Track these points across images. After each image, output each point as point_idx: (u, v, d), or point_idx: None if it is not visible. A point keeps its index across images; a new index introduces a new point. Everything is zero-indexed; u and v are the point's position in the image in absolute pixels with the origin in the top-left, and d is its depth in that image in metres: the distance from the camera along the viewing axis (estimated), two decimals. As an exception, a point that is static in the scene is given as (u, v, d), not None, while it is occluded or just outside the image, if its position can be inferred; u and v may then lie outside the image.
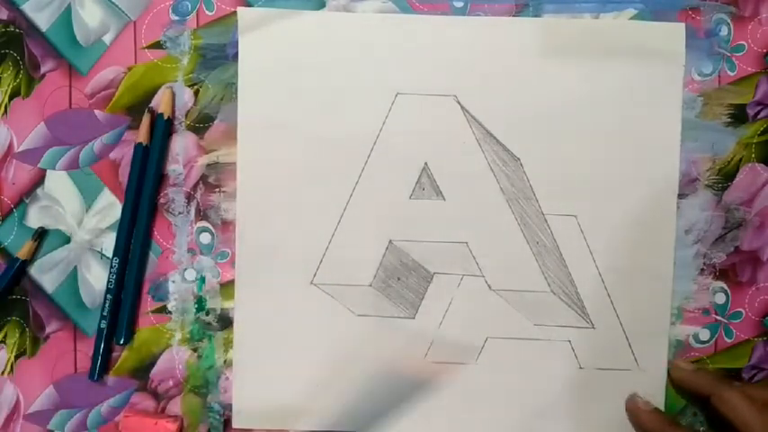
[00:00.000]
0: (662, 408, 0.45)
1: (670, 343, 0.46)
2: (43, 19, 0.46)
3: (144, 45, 0.46)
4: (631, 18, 0.46)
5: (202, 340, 0.46)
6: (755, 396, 0.40)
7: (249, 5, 0.46)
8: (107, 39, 0.46)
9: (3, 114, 0.46)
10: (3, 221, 0.46)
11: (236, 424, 0.46)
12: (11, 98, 0.46)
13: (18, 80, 0.46)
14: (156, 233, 0.46)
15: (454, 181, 0.46)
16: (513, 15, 0.46)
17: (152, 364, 0.46)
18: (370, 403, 0.45)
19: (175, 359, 0.46)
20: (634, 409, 0.44)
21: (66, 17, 0.46)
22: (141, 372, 0.46)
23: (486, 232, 0.45)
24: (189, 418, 0.46)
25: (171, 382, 0.46)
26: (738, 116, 0.46)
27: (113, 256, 0.45)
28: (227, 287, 0.46)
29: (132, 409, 0.46)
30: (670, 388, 0.45)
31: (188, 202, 0.46)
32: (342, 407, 0.45)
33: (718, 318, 0.46)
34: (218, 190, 0.46)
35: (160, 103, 0.45)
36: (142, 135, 0.45)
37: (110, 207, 0.46)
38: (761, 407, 0.39)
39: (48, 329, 0.46)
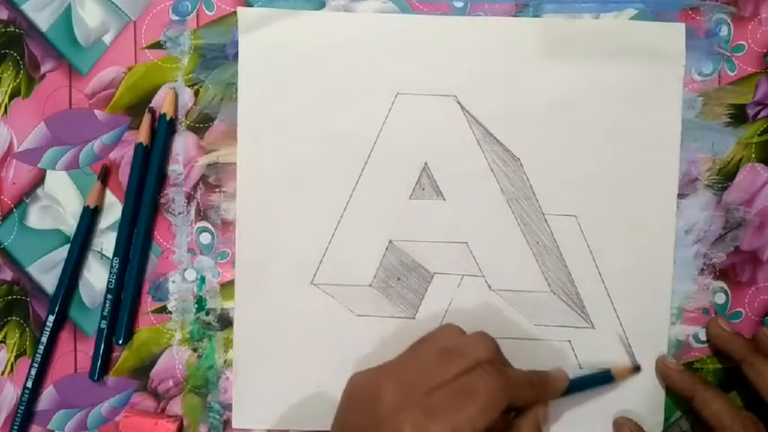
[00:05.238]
0: (661, 409, 0.45)
1: (670, 343, 0.46)
2: (43, 19, 0.46)
3: (144, 45, 0.46)
4: (631, 18, 0.46)
5: (202, 340, 0.46)
6: None
7: (249, 5, 0.46)
8: (107, 39, 0.46)
9: (3, 114, 0.46)
10: (3, 221, 0.46)
11: (236, 424, 0.46)
12: (11, 98, 0.46)
13: (18, 80, 0.46)
14: (156, 233, 0.46)
15: (454, 181, 0.46)
16: (513, 15, 0.46)
17: (152, 364, 0.46)
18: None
19: (175, 359, 0.46)
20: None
21: (67, 17, 0.46)
22: (141, 372, 0.46)
23: (486, 232, 0.46)
24: (189, 418, 0.46)
25: (171, 382, 0.46)
26: (738, 116, 0.46)
27: (114, 256, 0.45)
28: (227, 287, 0.46)
29: (132, 409, 0.46)
30: (670, 388, 0.45)
31: (188, 202, 0.46)
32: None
33: (718, 318, 0.46)
34: (218, 190, 0.46)
35: (163, 103, 0.45)
36: (143, 135, 0.45)
37: (110, 207, 0.46)
38: None
39: (48, 329, 0.46)
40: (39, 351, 0.45)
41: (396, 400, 0.37)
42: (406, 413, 0.36)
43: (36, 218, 0.46)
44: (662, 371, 0.45)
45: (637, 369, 0.45)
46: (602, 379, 0.45)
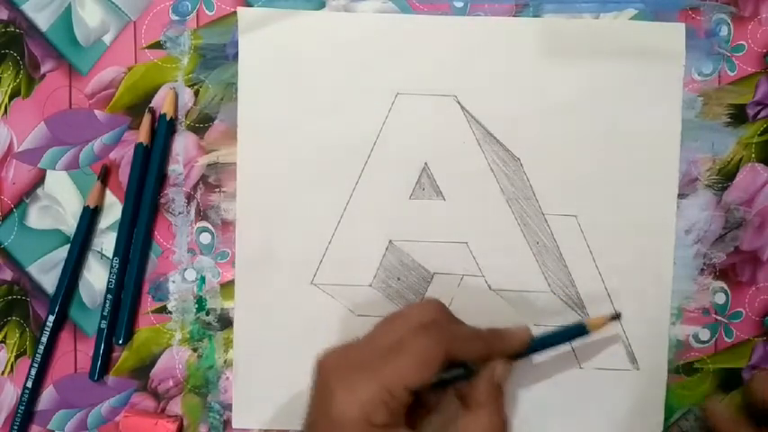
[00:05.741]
0: (661, 409, 0.45)
1: (670, 343, 0.46)
2: (43, 19, 0.46)
3: (144, 45, 0.46)
4: (631, 18, 0.46)
5: (202, 340, 0.46)
6: None
7: (249, 5, 0.46)
8: (107, 39, 0.46)
9: (3, 114, 0.46)
10: (3, 221, 0.46)
11: (236, 424, 0.46)
12: (11, 98, 0.46)
13: (18, 80, 0.46)
14: (156, 233, 0.46)
15: (454, 181, 0.46)
16: (513, 15, 0.46)
17: (152, 364, 0.46)
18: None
19: (175, 359, 0.46)
20: (712, 416, 0.42)
21: (67, 17, 0.46)
22: (141, 372, 0.46)
23: (486, 232, 0.46)
24: (189, 418, 0.46)
25: (171, 382, 0.46)
26: (738, 116, 0.46)
27: (114, 256, 0.45)
28: (227, 287, 0.46)
29: (132, 409, 0.46)
30: (670, 388, 0.45)
31: (188, 202, 0.46)
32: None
33: (718, 318, 0.46)
34: (218, 190, 0.46)
35: (163, 103, 0.45)
36: (143, 135, 0.45)
37: (110, 207, 0.46)
38: None
39: (48, 329, 0.46)
40: (39, 351, 0.45)
41: (332, 368, 0.37)
42: (337, 376, 0.36)
43: (36, 218, 0.46)
44: (709, 414, 0.42)
45: (615, 317, 0.43)
46: (575, 332, 0.42)
